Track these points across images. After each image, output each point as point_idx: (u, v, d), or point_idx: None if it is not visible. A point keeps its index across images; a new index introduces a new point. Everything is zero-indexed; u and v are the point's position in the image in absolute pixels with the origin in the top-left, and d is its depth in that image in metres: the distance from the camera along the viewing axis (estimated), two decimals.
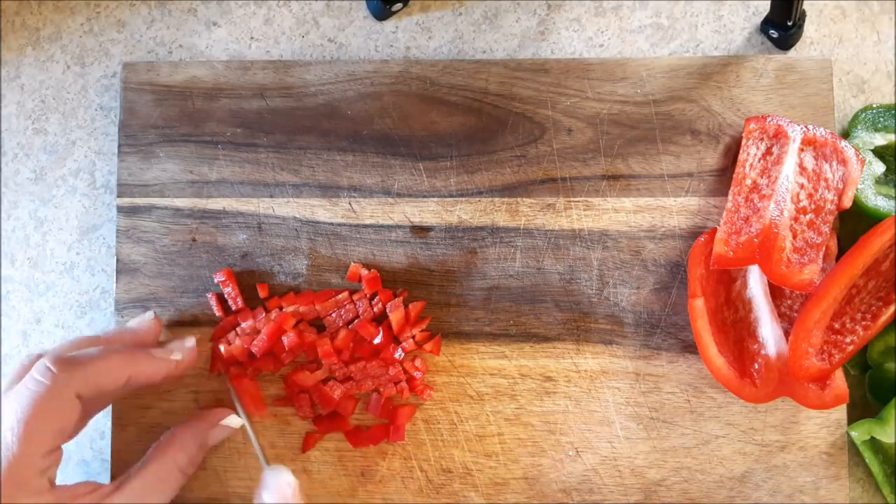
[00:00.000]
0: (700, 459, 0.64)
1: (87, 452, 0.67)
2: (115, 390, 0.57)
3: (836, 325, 0.62)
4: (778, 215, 0.62)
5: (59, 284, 0.69)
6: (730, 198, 0.64)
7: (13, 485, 0.51)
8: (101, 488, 0.56)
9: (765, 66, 0.67)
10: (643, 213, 0.66)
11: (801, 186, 0.63)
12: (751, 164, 0.64)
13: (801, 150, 0.63)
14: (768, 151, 0.64)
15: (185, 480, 0.60)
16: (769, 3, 0.67)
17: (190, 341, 0.62)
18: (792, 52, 0.69)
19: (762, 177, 0.64)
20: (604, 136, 0.67)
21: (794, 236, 0.63)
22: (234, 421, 0.62)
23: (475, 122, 0.67)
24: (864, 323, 0.62)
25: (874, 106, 0.66)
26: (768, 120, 0.64)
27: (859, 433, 0.62)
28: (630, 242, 0.66)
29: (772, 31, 0.68)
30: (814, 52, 0.70)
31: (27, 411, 0.52)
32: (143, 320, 0.63)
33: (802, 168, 0.63)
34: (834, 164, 0.63)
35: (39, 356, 0.57)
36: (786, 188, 0.62)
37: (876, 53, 0.70)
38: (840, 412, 0.64)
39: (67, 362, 0.55)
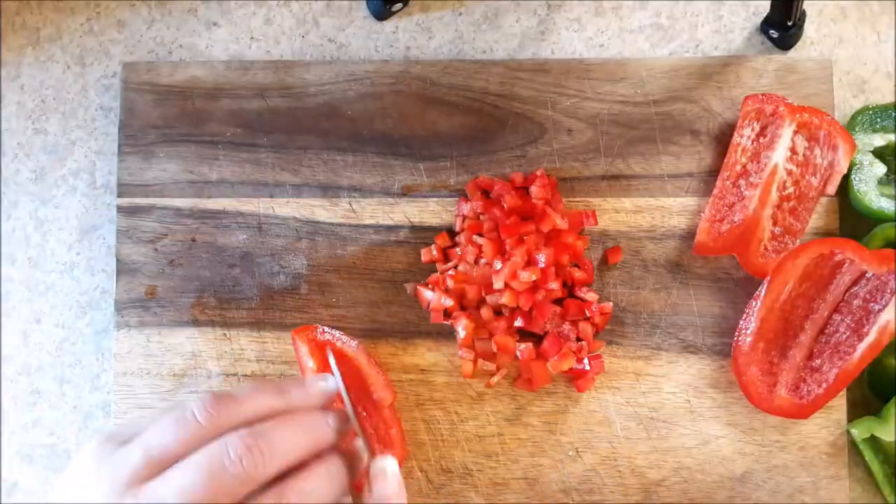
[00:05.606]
0: (700, 459, 0.64)
1: None
2: None
3: (814, 363, 0.62)
4: (761, 208, 0.62)
5: (59, 284, 0.69)
6: (718, 182, 0.64)
7: None
8: None
9: (765, 66, 0.67)
10: (643, 213, 0.66)
11: (790, 173, 0.64)
12: (743, 148, 0.65)
13: (796, 132, 0.64)
14: (762, 132, 0.64)
15: None
16: (769, 3, 0.67)
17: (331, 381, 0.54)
18: (792, 52, 0.69)
19: (753, 161, 0.64)
20: (604, 137, 0.66)
21: (775, 223, 0.63)
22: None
23: (475, 122, 0.67)
24: (839, 361, 0.62)
25: (871, 107, 0.66)
26: (766, 100, 0.64)
27: (860, 431, 0.62)
28: (630, 242, 0.66)
29: (772, 31, 0.68)
30: (814, 52, 0.70)
31: None
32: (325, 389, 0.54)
33: (794, 153, 0.64)
34: (825, 149, 0.64)
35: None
36: (773, 177, 0.63)
37: (876, 53, 0.70)
38: (840, 412, 0.64)
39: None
